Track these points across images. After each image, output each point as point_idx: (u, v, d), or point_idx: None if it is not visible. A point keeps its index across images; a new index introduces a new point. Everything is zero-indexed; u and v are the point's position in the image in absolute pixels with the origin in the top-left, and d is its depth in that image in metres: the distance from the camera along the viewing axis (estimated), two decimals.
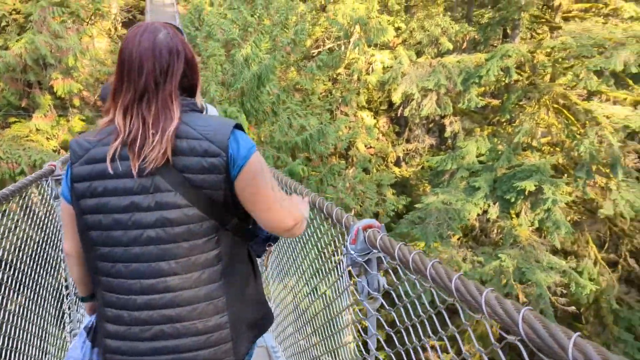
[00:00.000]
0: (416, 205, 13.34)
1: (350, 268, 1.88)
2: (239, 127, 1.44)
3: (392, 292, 1.73)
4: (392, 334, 1.73)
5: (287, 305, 3.69)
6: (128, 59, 1.39)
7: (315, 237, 2.69)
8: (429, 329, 1.53)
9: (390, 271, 1.78)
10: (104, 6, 16.63)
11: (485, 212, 12.80)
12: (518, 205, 12.33)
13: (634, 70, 11.36)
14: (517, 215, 12.56)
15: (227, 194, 1.40)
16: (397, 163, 18.49)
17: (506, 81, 13.69)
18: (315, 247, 2.70)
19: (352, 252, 1.81)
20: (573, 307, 12.15)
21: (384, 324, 1.85)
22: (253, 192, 1.42)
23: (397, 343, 1.69)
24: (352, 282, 2.04)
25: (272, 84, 12.75)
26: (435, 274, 1.39)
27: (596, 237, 12.63)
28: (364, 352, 2.00)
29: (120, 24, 20.50)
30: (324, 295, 2.62)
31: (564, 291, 11.93)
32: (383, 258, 1.78)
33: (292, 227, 1.50)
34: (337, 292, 2.35)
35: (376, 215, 14.51)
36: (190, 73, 1.47)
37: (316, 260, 2.70)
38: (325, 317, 2.62)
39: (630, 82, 12.74)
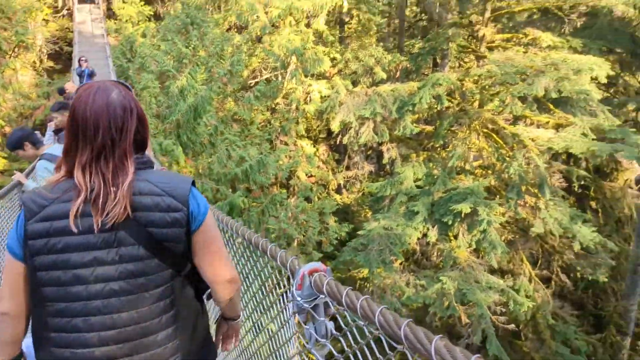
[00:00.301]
0: (358, 232, 13.41)
1: (296, 314, 1.79)
2: (193, 183, 1.56)
3: (340, 338, 1.66)
4: None
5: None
6: (82, 118, 1.44)
7: (260, 279, 2.59)
8: None
9: (338, 316, 1.71)
10: (28, 38, 15.91)
11: (425, 235, 13.05)
12: (455, 227, 12.68)
13: (554, 95, 12.12)
14: (455, 237, 12.91)
15: (185, 245, 1.51)
16: (338, 190, 18.64)
17: (438, 108, 14.23)
18: (260, 291, 2.58)
19: (299, 298, 1.73)
20: (512, 325, 12.51)
21: None
22: (208, 245, 1.54)
23: None
24: (299, 330, 1.94)
25: (209, 115, 12.57)
26: (384, 320, 1.35)
27: (529, 255, 13.18)
28: None
29: (46, 56, 19.64)
30: (270, 341, 2.50)
31: (503, 310, 12.28)
32: (330, 303, 1.71)
33: (232, 280, 1.60)
34: (283, 338, 2.24)
35: (319, 244, 14.48)
36: (142, 128, 1.55)
37: (261, 304, 2.59)
38: None
39: (551, 106, 13.58)
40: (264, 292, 2.57)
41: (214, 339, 1.78)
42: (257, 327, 2.74)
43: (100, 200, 1.40)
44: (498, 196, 13.38)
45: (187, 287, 1.57)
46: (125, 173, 1.44)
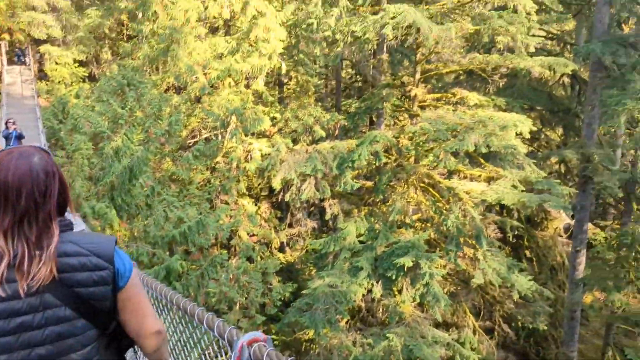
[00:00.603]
0: (303, 292, 13.13)
1: None
2: (116, 242, 1.60)
3: None
4: None
5: None
6: (4, 183, 1.45)
7: (197, 350, 2.40)
8: None
9: None
10: None
11: (369, 291, 12.97)
12: (399, 281, 12.71)
13: (483, 150, 12.77)
14: (400, 292, 12.91)
15: (111, 303, 1.54)
16: (282, 249, 18.37)
17: (377, 164, 14.58)
18: None
19: None
20: None
21: None
22: (134, 301, 1.58)
23: None
24: None
25: (146, 176, 12.20)
26: None
27: (472, 306, 13.36)
28: None
29: None
30: None
31: None
32: None
33: (159, 331, 1.62)
34: None
35: (263, 306, 14.02)
36: (63, 191, 1.57)
37: None
38: None
39: (482, 160, 14.28)
40: None
41: None
42: None
43: (25, 265, 1.41)
44: (438, 249, 13.64)
45: (112, 345, 1.60)
46: (50, 236, 1.46)
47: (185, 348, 2.79)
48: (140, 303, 1.59)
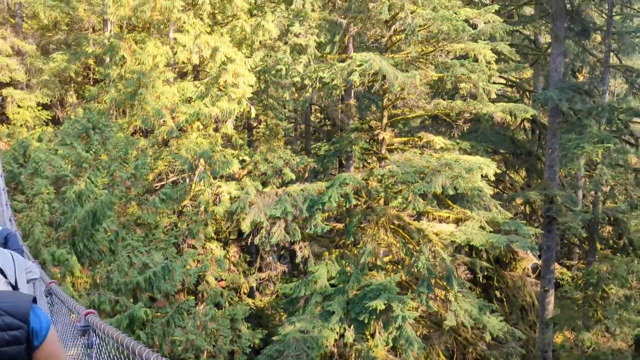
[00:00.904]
0: (273, 338, 12.74)
1: None
2: (34, 300, 1.59)
3: None
4: None
5: None
6: None
7: None
8: None
9: None
10: None
11: (342, 336, 12.69)
12: (372, 325, 12.50)
13: (450, 192, 12.97)
14: (372, 336, 12.68)
15: None
16: (251, 294, 17.91)
17: (347, 206, 14.59)
18: None
19: None
20: None
21: None
22: None
23: None
24: None
25: (110, 221, 11.83)
26: None
27: (445, 349, 13.19)
28: None
29: None
30: None
31: None
32: None
33: None
34: None
35: (231, 354, 13.49)
36: None
37: None
38: None
39: (450, 202, 14.48)
40: None
41: None
42: None
43: None
44: (410, 290, 13.54)
45: None
46: None
47: None
48: None
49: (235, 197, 15.98)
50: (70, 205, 11.70)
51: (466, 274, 13.68)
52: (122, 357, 2.98)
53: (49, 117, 25.11)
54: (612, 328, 10.43)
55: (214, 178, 16.42)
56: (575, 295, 12.13)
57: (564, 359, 15.27)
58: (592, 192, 16.41)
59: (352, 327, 12.70)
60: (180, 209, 17.01)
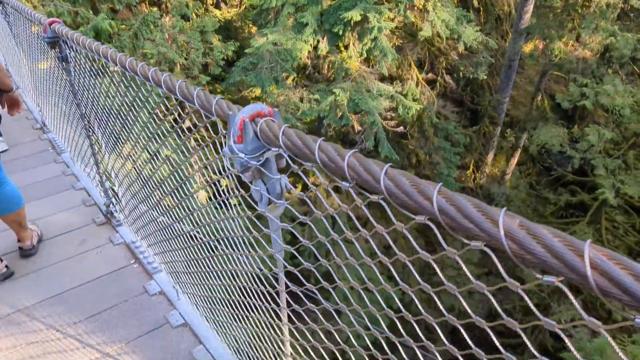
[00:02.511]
0: (246, 51, 12.54)
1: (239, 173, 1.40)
2: None
3: (306, 198, 1.31)
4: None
5: (135, 187, 3.12)
6: None
7: (146, 110, 2.11)
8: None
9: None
10: None
11: (315, 48, 12.58)
12: (346, 37, 12.28)
13: None
14: (346, 47, 12.60)
15: None
16: (217, 5, 16.88)
17: None
18: (151, 122, 2.11)
19: (242, 155, 1.32)
20: (401, 127, 13.25)
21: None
22: None
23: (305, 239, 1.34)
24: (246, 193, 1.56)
25: None
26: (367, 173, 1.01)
27: (417, 60, 13.42)
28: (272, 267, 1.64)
29: None
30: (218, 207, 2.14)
31: (393, 114, 12.82)
32: (283, 154, 1.32)
33: None
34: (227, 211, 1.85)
35: (205, 67, 13.45)
36: None
37: (156, 135, 2.14)
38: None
39: None
40: (156, 122, 2.19)
41: None
42: (156, 157, 2.45)
43: None
44: (387, 0, 12.91)
45: None
46: None
47: (129, 116, 2.52)
48: None
49: None
50: None
51: None
52: (102, 68, 2.74)
53: None
54: (585, 36, 10.53)
55: None
56: (556, 3, 11.82)
57: (529, 67, 15.97)
58: None
59: (325, 38, 12.48)
60: None
